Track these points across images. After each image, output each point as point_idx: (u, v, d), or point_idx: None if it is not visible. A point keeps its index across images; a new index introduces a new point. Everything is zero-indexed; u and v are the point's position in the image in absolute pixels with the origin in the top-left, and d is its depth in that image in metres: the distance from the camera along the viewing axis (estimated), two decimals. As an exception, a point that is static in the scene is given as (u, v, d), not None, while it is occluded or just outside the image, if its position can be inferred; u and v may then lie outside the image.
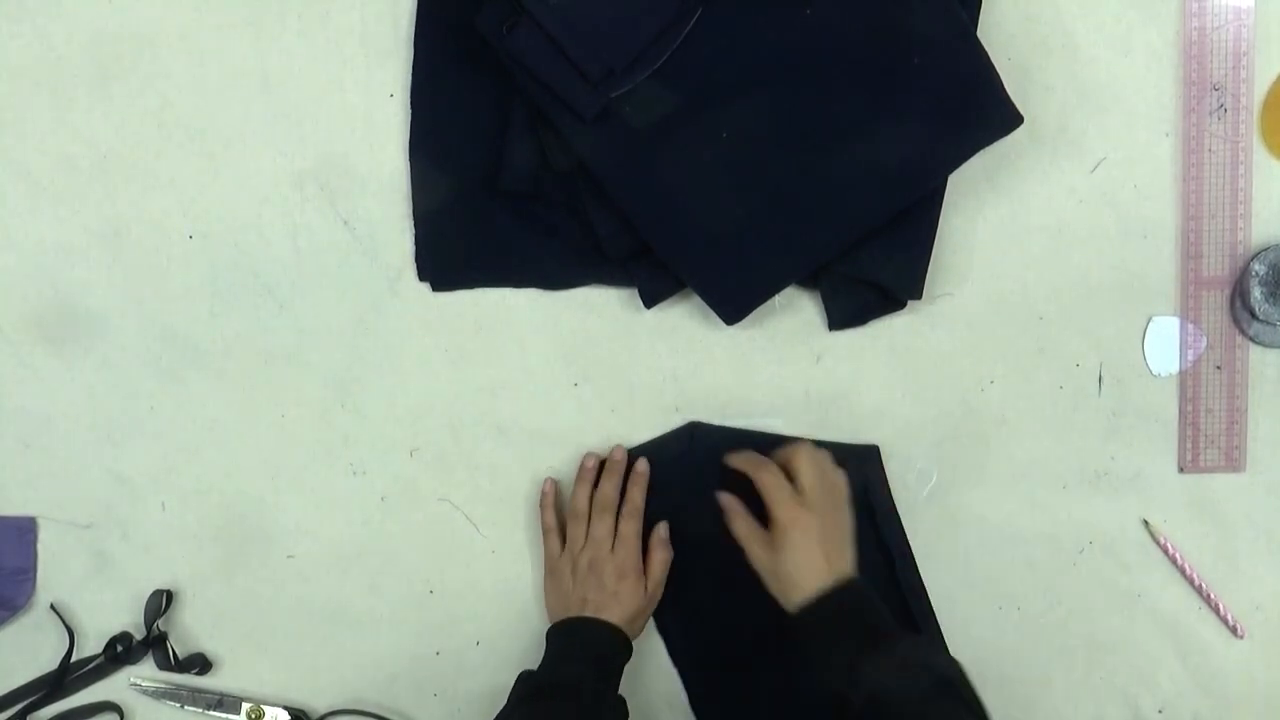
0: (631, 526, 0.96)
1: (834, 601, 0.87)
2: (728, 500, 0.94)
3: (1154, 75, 0.95)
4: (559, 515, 0.99)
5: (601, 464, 0.98)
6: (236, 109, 0.97)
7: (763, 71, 0.90)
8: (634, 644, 0.94)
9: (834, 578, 0.88)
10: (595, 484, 0.98)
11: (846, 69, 0.89)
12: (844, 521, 0.92)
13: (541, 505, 0.99)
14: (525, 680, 0.91)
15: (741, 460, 0.94)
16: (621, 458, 0.98)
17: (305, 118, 0.97)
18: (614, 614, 0.93)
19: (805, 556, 0.89)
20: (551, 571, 0.98)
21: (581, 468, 0.98)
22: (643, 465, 0.98)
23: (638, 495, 0.97)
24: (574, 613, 0.93)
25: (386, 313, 0.99)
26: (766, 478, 0.91)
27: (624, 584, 0.94)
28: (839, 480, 0.93)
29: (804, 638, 0.88)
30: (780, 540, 0.89)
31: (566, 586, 0.95)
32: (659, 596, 0.96)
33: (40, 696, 1.01)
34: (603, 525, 0.95)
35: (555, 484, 0.99)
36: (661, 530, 0.97)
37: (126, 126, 0.98)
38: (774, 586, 0.90)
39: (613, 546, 0.95)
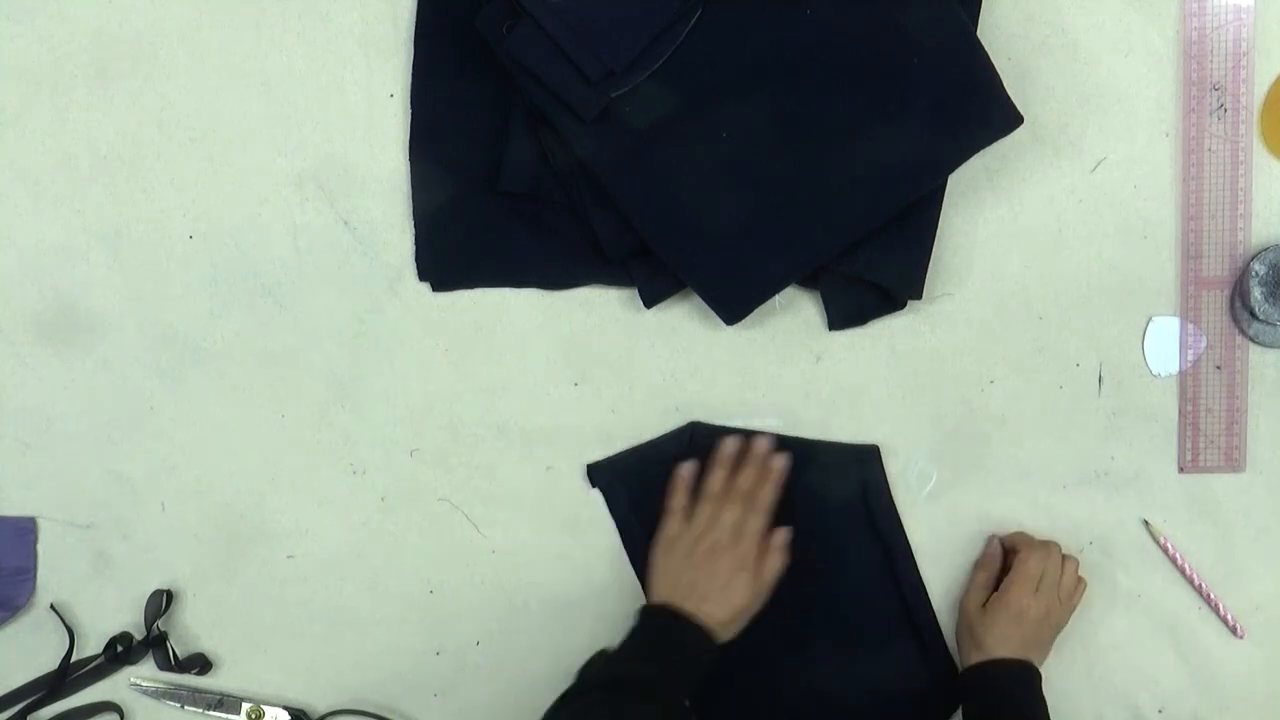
0: (756, 523, 0.94)
1: (1006, 674, 0.91)
2: (996, 547, 0.98)
3: (1154, 75, 0.95)
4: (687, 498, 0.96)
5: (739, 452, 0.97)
6: (236, 109, 0.97)
7: (763, 72, 0.90)
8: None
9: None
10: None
11: (846, 69, 0.89)
12: (1058, 624, 0.95)
13: (674, 486, 0.96)
14: (605, 664, 0.89)
15: (1017, 538, 0.97)
16: (764, 448, 0.96)
17: (305, 118, 0.97)
18: (719, 609, 0.91)
19: (1009, 633, 0.93)
20: (667, 549, 0.95)
21: (721, 450, 0.96)
22: (780, 462, 0.96)
23: (768, 493, 0.95)
24: (680, 598, 0.91)
25: (386, 313, 0.99)
26: (1034, 561, 0.94)
27: (738, 578, 0.92)
28: (1080, 582, 0.97)
29: (961, 687, 0.93)
30: (997, 612, 0.93)
31: (679, 566, 0.93)
32: (763, 601, 0.94)
33: (40, 696, 1.01)
34: (731, 513, 0.94)
35: (696, 468, 0.96)
36: (782, 535, 0.95)
37: (126, 126, 0.98)
38: (964, 638, 0.96)
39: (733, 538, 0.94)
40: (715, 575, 0.92)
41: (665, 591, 0.93)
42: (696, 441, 0.98)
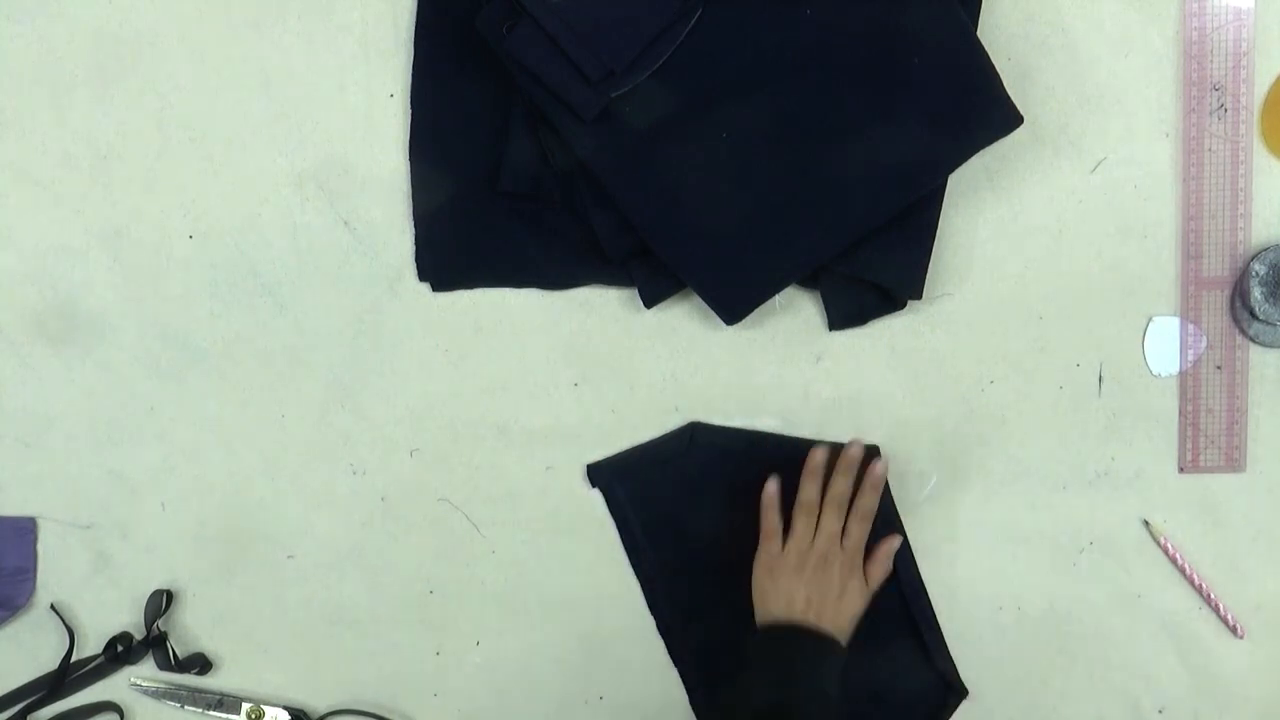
0: (861, 530, 0.93)
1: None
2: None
3: (1154, 75, 0.95)
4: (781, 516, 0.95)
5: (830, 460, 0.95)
6: (236, 109, 0.97)
7: (763, 71, 0.90)
8: (642, 644, 0.93)
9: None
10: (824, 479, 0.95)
11: (846, 69, 0.89)
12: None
13: (765, 507, 0.94)
14: (745, 695, 0.87)
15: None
16: (858, 455, 0.95)
17: (305, 118, 0.97)
18: (838, 616, 0.90)
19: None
20: (770, 569, 0.93)
21: (812, 460, 0.94)
22: (880, 469, 0.94)
23: (871, 499, 0.94)
24: (798, 614, 0.90)
25: (386, 313, 0.99)
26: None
27: (852, 582, 0.92)
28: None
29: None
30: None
31: (790, 583, 0.91)
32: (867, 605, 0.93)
33: (40, 696, 1.01)
34: (834, 521, 0.92)
35: (779, 483, 0.95)
36: (892, 543, 0.95)
37: (126, 126, 0.98)
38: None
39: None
40: (830, 583, 0.91)
41: (781, 610, 0.91)
42: (697, 441, 0.98)
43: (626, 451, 0.99)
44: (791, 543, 0.93)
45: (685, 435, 0.99)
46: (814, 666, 0.89)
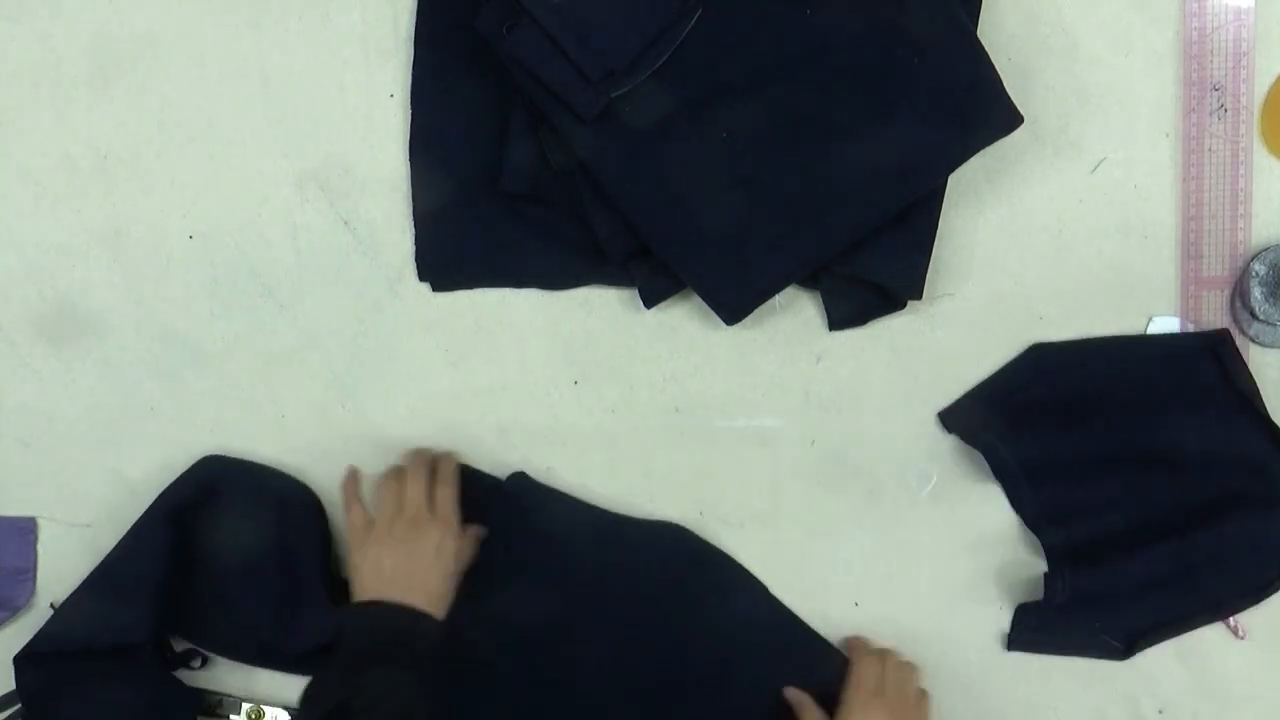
0: (446, 491, 0.91)
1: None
2: (795, 695, 0.94)
3: (1154, 75, 0.95)
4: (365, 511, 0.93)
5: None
6: (236, 109, 0.98)
7: (763, 71, 0.90)
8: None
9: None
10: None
11: (846, 69, 0.89)
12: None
13: (345, 495, 0.94)
14: (328, 686, 0.83)
15: (851, 643, 0.96)
16: (429, 459, 0.94)
17: (305, 118, 0.97)
18: (433, 581, 0.87)
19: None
20: (359, 545, 0.90)
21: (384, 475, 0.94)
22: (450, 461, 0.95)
23: (450, 462, 0.94)
24: (387, 588, 0.86)
25: (386, 313, 0.99)
26: (863, 662, 0.92)
27: (445, 545, 0.89)
28: (924, 692, 0.94)
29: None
30: None
31: (378, 555, 0.88)
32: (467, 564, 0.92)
33: (40, 696, 1.01)
34: (416, 487, 0.91)
35: (356, 471, 0.95)
36: (475, 529, 0.94)
37: (126, 126, 0.98)
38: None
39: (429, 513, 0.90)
40: (422, 550, 0.88)
41: (370, 586, 0.87)
42: (1042, 364, 0.96)
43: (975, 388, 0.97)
44: (380, 514, 0.91)
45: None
46: (399, 650, 0.84)
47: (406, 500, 0.91)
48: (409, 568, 0.88)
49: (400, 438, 0.99)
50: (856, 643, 0.97)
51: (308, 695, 0.85)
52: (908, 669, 0.95)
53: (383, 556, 0.88)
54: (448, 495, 0.92)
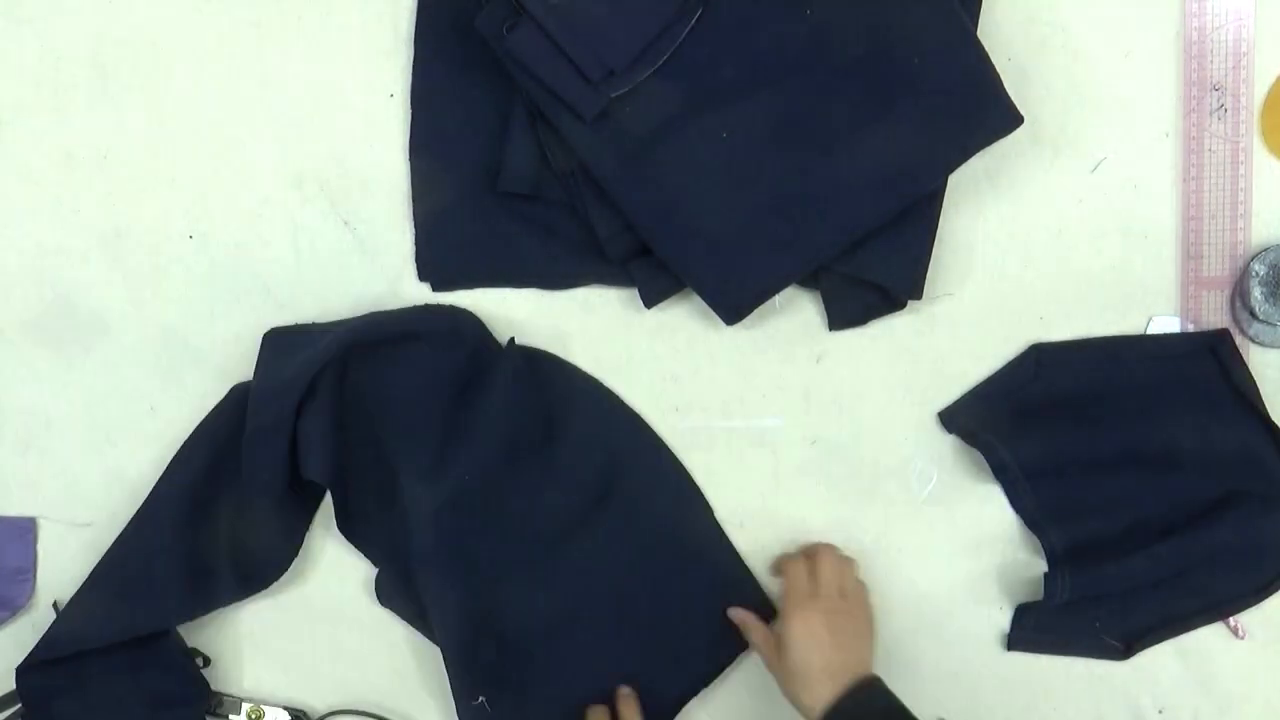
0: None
1: (853, 703, 0.85)
2: (739, 614, 0.94)
3: (1154, 75, 0.95)
4: None
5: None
6: (236, 109, 0.98)
7: (763, 71, 0.90)
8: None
9: (850, 677, 0.86)
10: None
11: (846, 69, 0.89)
12: (863, 619, 0.91)
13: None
14: None
15: (781, 558, 0.95)
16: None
17: (305, 118, 0.97)
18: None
19: (813, 653, 0.87)
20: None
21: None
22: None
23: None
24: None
25: (386, 313, 0.99)
26: (791, 568, 0.92)
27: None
28: (860, 583, 0.93)
29: None
30: (787, 637, 0.88)
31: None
32: None
33: (40, 696, 1.01)
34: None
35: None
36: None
37: (126, 126, 0.98)
38: (787, 689, 0.88)
39: None
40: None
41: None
42: (1043, 364, 0.96)
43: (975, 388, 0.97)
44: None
45: (1029, 360, 0.96)
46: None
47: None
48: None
49: (400, 438, 0.99)
50: (784, 555, 0.96)
51: None
52: (840, 564, 0.92)
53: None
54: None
